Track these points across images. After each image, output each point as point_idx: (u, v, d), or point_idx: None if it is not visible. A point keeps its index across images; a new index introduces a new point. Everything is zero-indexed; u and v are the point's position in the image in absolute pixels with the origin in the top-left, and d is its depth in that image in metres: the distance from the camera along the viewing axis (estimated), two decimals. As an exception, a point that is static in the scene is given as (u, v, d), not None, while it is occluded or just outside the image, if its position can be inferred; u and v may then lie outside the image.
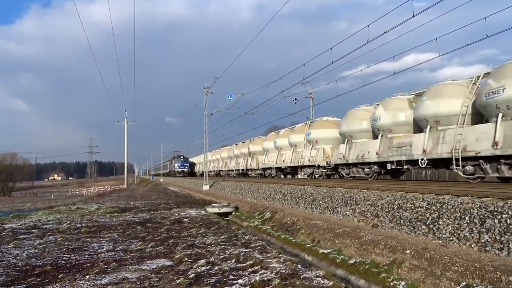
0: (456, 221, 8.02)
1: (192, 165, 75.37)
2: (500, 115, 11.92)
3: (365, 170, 19.37)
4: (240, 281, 6.74)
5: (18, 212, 24.64)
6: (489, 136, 12.18)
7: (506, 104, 11.68)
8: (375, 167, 18.49)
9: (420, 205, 9.33)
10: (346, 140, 20.80)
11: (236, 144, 44.91)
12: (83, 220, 15.77)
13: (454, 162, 13.32)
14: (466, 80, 14.40)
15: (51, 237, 11.54)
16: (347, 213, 12.02)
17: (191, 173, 73.53)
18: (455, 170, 13.63)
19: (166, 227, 13.29)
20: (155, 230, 12.66)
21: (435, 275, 6.78)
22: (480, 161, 12.74)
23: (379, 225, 10.18)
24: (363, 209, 11.36)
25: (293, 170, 28.92)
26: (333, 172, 23.71)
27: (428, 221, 8.68)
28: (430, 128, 14.86)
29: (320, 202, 14.00)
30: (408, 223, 9.24)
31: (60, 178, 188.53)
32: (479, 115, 13.42)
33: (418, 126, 15.89)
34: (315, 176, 24.76)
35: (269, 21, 20.76)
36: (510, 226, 6.93)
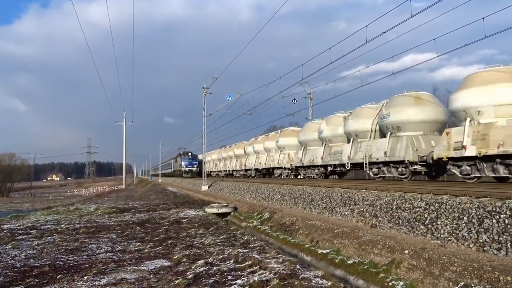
0: (454, 221, 8.03)
1: (201, 163, 64.44)
2: (389, 133, 17.02)
3: (315, 171, 24.02)
4: (238, 281, 6.74)
5: (17, 212, 24.59)
6: (383, 147, 17.07)
7: (391, 126, 16.83)
8: (321, 169, 23.15)
9: (419, 205, 9.34)
10: (303, 147, 25.48)
11: (224, 147, 50.07)
12: (82, 220, 15.74)
13: (365, 165, 18.20)
14: (378, 104, 18.93)
15: (49, 237, 11.51)
16: (346, 213, 12.03)
17: (201, 172, 64.10)
18: (367, 171, 18.47)
19: (164, 227, 13.27)
20: (153, 230, 12.64)
21: (433, 275, 6.79)
22: (380, 165, 17.67)
23: (378, 225, 10.19)
24: (362, 209, 11.37)
25: (268, 171, 34.28)
26: (298, 173, 27.40)
27: (427, 221, 8.69)
28: (353, 140, 19.72)
29: (319, 202, 14.01)
30: (407, 223, 9.25)
31: (58, 178, 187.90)
32: (382, 131, 18.08)
33: (348, 138, 20.49)
34: (282, 176, 29.87)
35: (268, 21, 21.20)
36: (508, 226, 6.94)
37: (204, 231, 12.41)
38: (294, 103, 33.05)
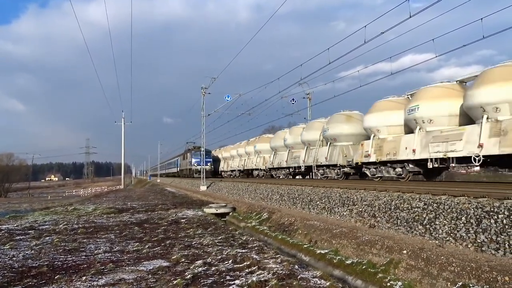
0: (452, 221, 8.04)
1: (216, 161, 51.64)
2: (329, 143, 22.23)
3: (282, 172, 29.87)
4: (237, 281, 6.74)
5: (15, 213, 24.52)
6: (325, 154, 22.24)
7: (330, 137, 21.95)
8: (287, 170, 28.72)
9: (417, 205, 9.35)
10: (274, 152, 31.07)
11: (215, 150, 54.86)
12: (80, 221, 15.71)
13: (313, 167, 23.53)
14: (326, 119, 23.47)
15: (47, 238, 11.48)
16: (344, 213, 12.03)
17: (215, 172, 50.72)
18: (316, 172, 23.84)
19: (163, 227, 13.26)
20: (152, 230, 12.63)
21: (431, 275, 6.80)
22: (324, 167, 22.78)
23: (376, 226, 10.20)
24: (360, 209, 11.38)
25: (249, 172, 39.79)
26: (271, 174, 32.53)
27: (425, 221, 8.71)
28: (306, 147, 24.97)
29: (318, 202, 14.01)
30: (405, 224, 9.26)
31: (57, 178, 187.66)
32: (326, 141, 22.77)
33: (304, 145, 25.53)
34: (259, 176, 35.68)
35: (267, 22, 21.45)
36: (506, 227, 6.96)
37: (203, 231, 12.40)
38: (293, 103, 33.13)
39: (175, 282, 6.70)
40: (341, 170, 21.24)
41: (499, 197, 7.84)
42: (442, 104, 14.32)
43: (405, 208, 9.65)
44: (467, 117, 13.62)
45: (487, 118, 12.32)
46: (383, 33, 13.74)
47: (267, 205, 17.90)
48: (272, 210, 15.92)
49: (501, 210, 7.29)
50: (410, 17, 12.56)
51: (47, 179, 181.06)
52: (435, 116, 14.48)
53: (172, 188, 45.37)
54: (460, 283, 6.21)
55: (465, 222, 7.78)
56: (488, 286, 5.88)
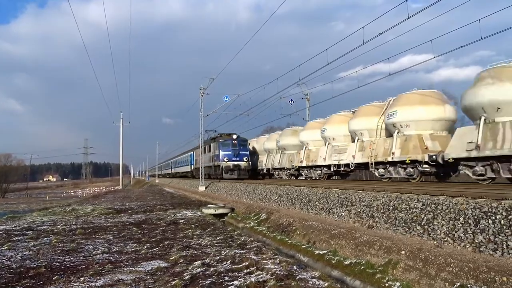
0: (450, 221, 8.06)
1: (254, 154, 36.27)
2: (280, 151, 30.12)
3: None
4: (235, 282, 6.74)
5: (13, 213, 24.49)
6: (278, 159, 30.15)
7: (281, 147, 29.68)
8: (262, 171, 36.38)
9: (415, 206, 9.36)
10: None
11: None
12: (78, 221, 15.68)
13: (272, 169, 31.87)
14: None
15: (45, 238, 11.46)
16: (343, 214, 12.04)
17: (254, 171, 35.10)
18: (274, 174, 31.99)
19: (161, 228, 13.24)
20: (150, 231, 12.62)
21: (429, 276, 6.82)
22: (278, 170, 30.85)
23: (375, 226, 10.21)
24: (359, 210, 11.39)
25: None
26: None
27: (423, 222, 8.72)
28: (268, 154, 33.25)
29: (316, 203, 14.02)
30: (403, 224, 9.27)
31: (55, 179, 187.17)
32: (280, 150, 30.41)
33: (266, 152, 33.77)
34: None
35: (265, 22, 21.49)
36: (504, 227, 6.98)
37: (201, 232, 12.40)
38: (292, 104, 33.12)
39: (173, 282, 6.70)
40: (288, 172, 28.40)
41: (497, 197, 7.86)
42: (340, 127, 21.35)
43: (403, 209, 9.66)
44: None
45: (357, 139, 19.67)
46: (381, 34, 13.74)
47: (266, 205, 17.90)
48: (270, 211, 15.92)
49: (499, 211, 7.30)
50: (409, 17, 12.57)
51: (45, 179, 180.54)
52: (336, 135, 21.77)
53: (170, 189, 45.32)
54: (458, 284, 6.23)
55: (463, 222, 7.79)
56: (486, 287, 5.89)
